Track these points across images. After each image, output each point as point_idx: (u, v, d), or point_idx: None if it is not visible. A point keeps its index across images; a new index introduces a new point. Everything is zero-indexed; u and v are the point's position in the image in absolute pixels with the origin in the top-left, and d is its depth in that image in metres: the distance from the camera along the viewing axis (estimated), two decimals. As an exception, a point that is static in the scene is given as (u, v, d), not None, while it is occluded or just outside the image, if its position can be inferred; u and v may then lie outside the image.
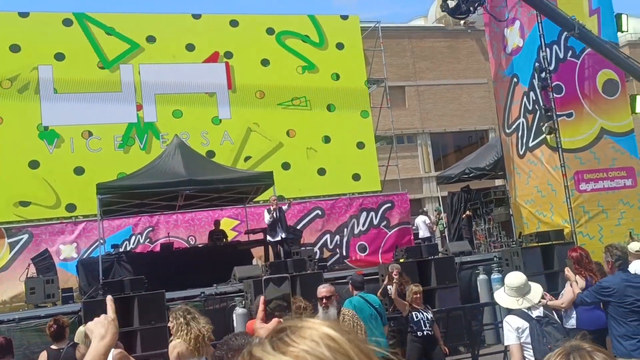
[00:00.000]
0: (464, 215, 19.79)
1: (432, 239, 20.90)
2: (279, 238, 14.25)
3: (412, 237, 19.24)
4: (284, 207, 15.30)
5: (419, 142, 35.21)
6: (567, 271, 7.31)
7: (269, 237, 14.37)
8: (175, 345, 5.47)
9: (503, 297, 5.52)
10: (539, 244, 13.66)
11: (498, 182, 22.83)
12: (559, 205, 14.83)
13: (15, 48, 17.65)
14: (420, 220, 21.39)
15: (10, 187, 16.78)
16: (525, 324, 5.29)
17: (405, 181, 29.33)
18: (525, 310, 5.38)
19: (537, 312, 5.42)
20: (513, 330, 5.30)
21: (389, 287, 11.15)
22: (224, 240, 16.04)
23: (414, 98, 35.07)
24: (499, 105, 17.05)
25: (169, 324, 5.83)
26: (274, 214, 14.03)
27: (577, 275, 7.31)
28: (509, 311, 5.54)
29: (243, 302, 11.91)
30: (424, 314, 8.99)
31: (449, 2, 11.76)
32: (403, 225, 18.95)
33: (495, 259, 14.59)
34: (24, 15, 18.06)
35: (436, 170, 32.38)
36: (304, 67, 20.17)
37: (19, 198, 16.87)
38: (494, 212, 18.55)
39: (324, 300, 6.36)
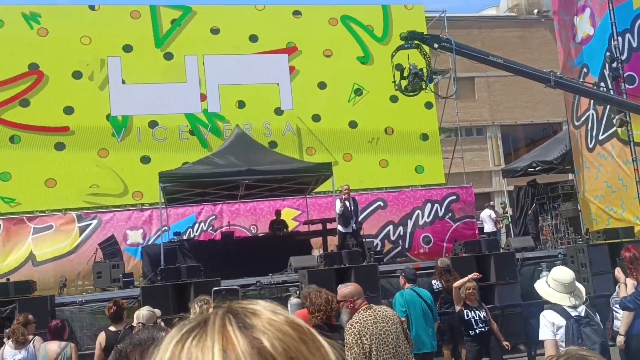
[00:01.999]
0: (530, 210, 19.22)
1: (497, 233, 20.43)
2: (350, 230, 14.20)
3: (476, 231, 18.86)
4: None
5: (489, 135, 34.42)
6: (618, 272, 6.92)
7: (339, 227, 14.31)
8: None
9: (550, 292, 5.28)
10: (607, 241, 13.09)
11: (566, 176, 22.05)
12: (630, 202, 14.20)
13: (85, 40, 18.27)
14: (485, 215, 20.94)
15: (81, 175, 17.43)
16: (562, 322, 5.08)
17: (474, 174, 28.80)
18: (565, 308, 5.15)
19: (577, 312, 5.20)
20: (549, 325, 5.12)
21: (433, 281, 10.97)
22: (285, 230, 16.15)
23: (484, 89, 34.27)
24: (567, 96, 16.46)
25: (190, 315, 5.89)
26: (347, 204, 13.94)
27: (628, 277, 6.93)
28: (538, 306, 5.34)
29: (297, 292, 11.97)
30: (477, 312, 8.75)
31: (401, 82, 11.42)
32: (468, 219, 18.61)
33: (559, 255, 14.10)
34: (93, 7, 18.67)
35: (507, 163, 31.58)
36: (359, 57, 19.99)
37: (89, 185, 17.49)
38: (562, 207, 17.93)
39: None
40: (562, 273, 5.35)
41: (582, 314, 5.14)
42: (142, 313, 6.85)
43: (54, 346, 7.70)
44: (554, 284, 5.27)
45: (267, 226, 16.53)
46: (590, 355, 1.74)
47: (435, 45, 11.50)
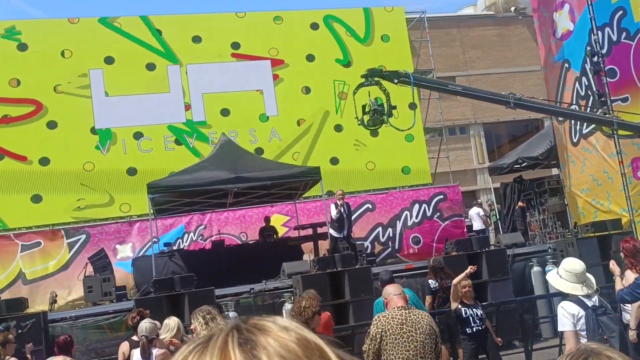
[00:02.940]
0: (518, 206, 19.35)
1: (486, 231, 20.53)
2: (342, 235, 14.18)
3: (465, 230, 18.96)
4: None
5: (472, 133, 34.63)
6: (612, 264, 6.86)
7: (332, 231, 14.30)
8: None
9: (563, 283, 5.32)
10: (596, 234, 13.23)
11: (551, 171, 22.24)
12: (616, 194, 14.34)
13: (66, 53, 18.15)
14: (474, 212, 21.03)
15: (67, 189, 17.29)
16: (581, 312, 5.13)
17: (459, 173, 28.95)
18: (581, 298, 5.20)
19: (592, 302, 5.26)
20: (569, 316, 5.14)
21: (430, 281, 11.02)
22: (275, 236, 16.13)
23: (465, 88, 34.50)
24: (550, 92, 16.59)
25: (191, 326, 5.87)
26: (342, 209, 13.95)
27: (630, 269, 6.92)
28: (563, 297, 5.37)
29: (292, 297, 11.96)
30: (474, 310, 8.78)
31: (363, 117, 11.82)
32: (456, 217, 18.71)
33: (549, 250, 14.23)
34: (73, 21, 18.57)
35: (490, 161, 31.78)
36: (337, 59, 20.05)
37: (75, 199, 17.35)
38: (549, 202, 18.07)
39: None
40: (573, 263, 5.40)
41: (597, 304, 5.20)
42: (145, 326, 6.82)
43: None
44: (566, 274, 5.32)
45: (257, 233, 16.49)
46: (604, 349, 1.74)
47: (395, 81, 11.90)
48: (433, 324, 5.38)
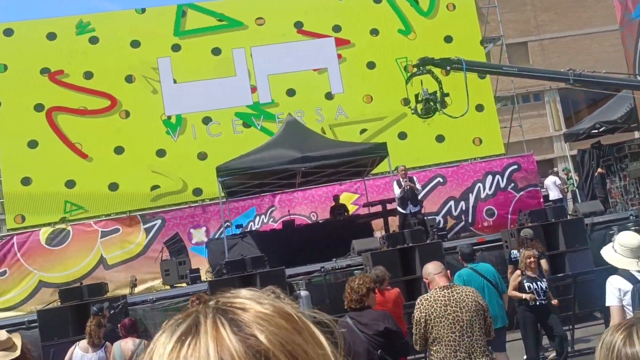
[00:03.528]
0: (597, 173, 18.56)
1: (563, 200, 19.84)
2: (408, 211, 14.07)
3: (541, 200, 18.38)
4: (418, 187, 14.89)
5: (547, 100, 33.44)
6: None
7: (399, 208, 14.22)
8: None
9: (617, 257, 5.08)
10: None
11: (632, 134, 21.20)
12: None
13: (135, 44, 18.60)
14: (550, 182, 20.34)
15: (142, 176, 17.78)
16: (628, 286, 4.89)
17: (534, 141, 28.08)
18: (633, 273, 4.94)
19: None
20: (614, 291, 4.93)
21: (512, 251, 10.82)
22: (346, 214, 16.11)
23: (538, 54, 33.27)
24: (628, 51, 15.78)
25: None
26: (404, 185, 13.87)
27: None
28: (613, 271, 5.13)
29: (367, 271, 11.92)
30: (538, 283, 8.51)
31: (417, 106, 11.35)
32: (531, 188, 18.16)
33: (631, 217, 13.60)
34: (140, 11, 18.98)
35: (568, 127, 30.64)
36: (400, 30, 19.63)
37: (149, 186, 17.84)
38: (630, 167, 17.22)
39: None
40: (629, 237, 5.13)
41: None
42: None
43: (129, 344, 7.84)
44: (621, 249, 5.06)
45: (327, 212, 16.51)
46: None
47: (448, 68, 11.65)
48: (479, 299, 5.23)
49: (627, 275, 4.99)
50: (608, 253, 5.20)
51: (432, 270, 5.37)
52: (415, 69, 11.92)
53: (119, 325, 8.97)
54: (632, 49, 15.38)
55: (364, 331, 5.24)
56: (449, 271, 5.54)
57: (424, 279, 5.49)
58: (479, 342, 5.07)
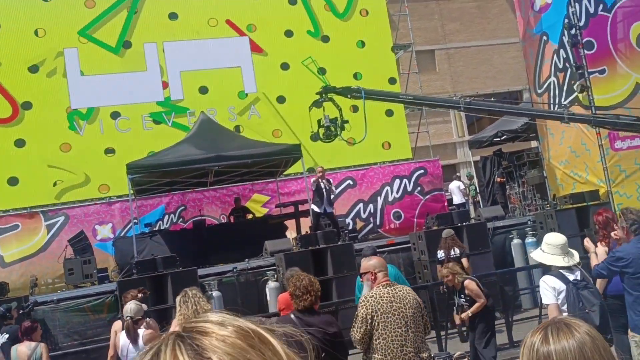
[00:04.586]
0: (498, 180, 19.48)
1: (466, 204, 20.67)
2: (322, 210, 14.23)
3: (445, 204, 19.07)
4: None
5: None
6: (587, 242, 6.86)
7: (315, 207, 14.35)
8: (174, 324, 5.78)
9: (545, 256, 5.40)
10: (574, 205, 13.39)
11: (530, 144, 22.39)
12: (594, 165, 14.49)
13: (39, 32, 17.78)
14: (454, 186, 21.15)
15: (45, 171, 17.04)
16: (562, 286, 5.23)
17: (439, 147, 29.00)
18: (563, 273, 5.28)
19: (574, 276, 5.33)
20: (550, 289, 5.24)
21: (438, 252, 11.36)
22: (251, 216, 16.07)
23: (445, 61, 34.46)
24: (529, 65, 16.65)
25: (178, 310, 6.03)
26: (322, 185, 14.07)
27: (600, 242, 6.99)
28: (544, 272, 5.47)
29: (275, 275, 11.98)
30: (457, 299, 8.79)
31: (319, 130, 12.43)
32: (436, 192, 18.80)
33: (529, 222, 14.38)
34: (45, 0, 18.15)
35: (470, 134, 31.90)
36: (308, 31, 19.80)
37: (53, 181, 17.12)
38: (528, 174, 18.21)
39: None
40: (555, 237, 5.50)
41: (579, 278, 5.27)
42: (130, 307, 6.87)
43: (23, 347, 7.67)
44: (548, 247, 5.41)
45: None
46: (573, 322, 1.81)
47: (349, 96, 12.58)
48: (417, 297, 5.40)
49: (558, 274, 5.31)
50: (537, 254, 5.53)
51: (377, 266, 5.43)
52: (318, 97, 12.68)
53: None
54: (533, 63, 16.24)
55: (311, 332, 5.18)
56: None
57: (366, 272, 5.46)
58: (421, 338, 5.25)
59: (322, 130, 12.50)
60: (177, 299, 5.99)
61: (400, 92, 15.72)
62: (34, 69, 17.53)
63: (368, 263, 5.55)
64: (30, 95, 17.39)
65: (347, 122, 12.51)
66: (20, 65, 17.45)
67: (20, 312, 9.78)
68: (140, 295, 8.15)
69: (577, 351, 1.72)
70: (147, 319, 7.12)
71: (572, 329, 1.77)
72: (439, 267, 10.92)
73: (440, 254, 11.22)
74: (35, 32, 17.71)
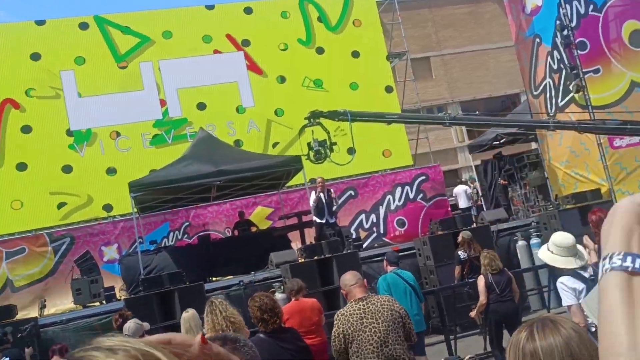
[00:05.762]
0: (501, 182, 19.53)
1: (472, 208, 20.69)
2: (324, 221, 14.31)
3: (449, 209, 19.10)
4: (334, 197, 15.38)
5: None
6: (586, 239, 6.84)
7: (316, 219, 14.43)
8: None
9: (555, 258, 5.30)
10: (576, 205, 13.43)
11: (530, 145, 22.47)
12: (594, 164, 14.55)
13: (35, 56, 17.91)
14: (460, 190, 21.11)
15: (47, 194, 17.13)
16: (581, 285, 5.11)
17: (439, 153, 29.10)
18: (579, 272, 5.20)
19: (588, 273, 5.23)
20: (570, 290, 5.13)
21: (459, 252, 11.52)
22: (255, 229, 16.12)
23: (440, 68, 34.64)
24: (523, 67, 16.75)
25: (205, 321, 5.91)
26: (321, 196, 14.20)
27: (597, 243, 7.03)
28: (550, 272, 5.40)
29: (282, 287, 12.01)
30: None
31: (309, 152, 12.95)
32: (439, 197, 18.84)
33: (533, 223, 14.41)
34: (40, 23, 18.31)
35: (470, 138, 32.01)
36: (299, 39, 19.91)
37: (56, 203, 17.20)
38: (529, 176, 18.25)
39: None
40: (563, 237, 5.35)
41: (593, 274, 5.19)
42: (129, 326, 6.84)
43: None
44: (557, 249, 5.29)
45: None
46: (559, 318, 1.85)
47: (336, 119, 13.14)
48: (395, 306, 5.27)
49: (574, 274, 5.21)
50: (545, 254, 5.41)
51: (348, 281, 5.37)
52: (306, 121, 13.22)
53: (25, 349, 8.71)
54: (527, 65, 16.35)
55: (284, 347, 5.12)
56: (365, 280, 5.60)
57: (341, 290, 5.50)
58: (399, 350, 5.14)
59: (312, 153, 13.06)
60: (205, 311, 5.73)
61: (386, 112, 16.10)
62: (30, 92, 17.65)
63: (341, 279, 5.52)
64: (29, 119, 17.50)
65: (335, 144, 13.11)
66: (19, 89, 17.57)
67: (19, 335, 9.82)
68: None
69: (563, 347, 1.75)
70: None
71: (557, 325, 1.80)
72: (457, 268, 11.33)
73: (462, 253, 11.35)
74: (31, 56, 17.85)
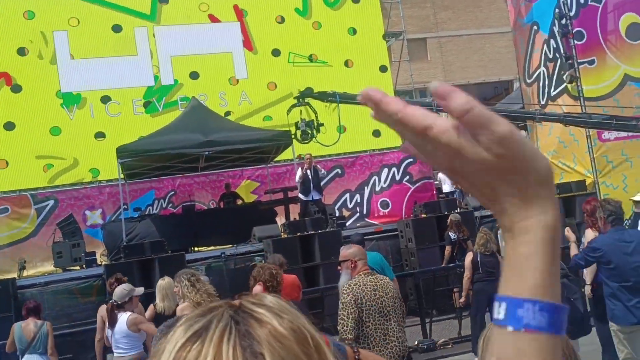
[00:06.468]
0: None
1: (455, 193, 20.76)
2: (310, 198, 14.29)
3: (434, 192, 19.14)
4: (322, 171, 15.41)
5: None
6: (568, 232, 6.92)
7: (301, 195, 14.42)
8: (183, 308, 5.50)
9: None
10: (561, 195, 13.48)
11: (521, 133, 22.49)
12: (582, 156, 14.61)
13: (29, 15, 17.65)
14: (444, 175, 21.19)
15: (34, 155, 16.99)
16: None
17: (429, 135, 29.07)
18: None
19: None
20: None
21: (450, 233, 11.82)
22: (239, 202, 16.12)
23: (436, 50, 34.49)
24: (519, 54, 16.72)
25: (174, 289, 5.92)
26: (308, 172, 14.16)
27: (590, 228, 7.11)
28: None
29: (263, 261, 12.05)
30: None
31: (297, 132, 13.29)
32: (425, 180, 18.87)
33: (516, 211, 14.47)
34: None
35: (460, 123, 31.96)
36: (296, 9, 19.71)
37: (42, 165, 17.07)
38: (517, 164, 18.32)
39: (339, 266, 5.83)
40: None
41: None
42: (116, 291, 6.91)
43: (30, 325, 7.83)
44: None
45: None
46: None
47: (325, 100, 13.56)
48: (396, 290, 5.40)
49: None
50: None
51: (359, 254, 5.42)
52: (295, 101, 13.36)
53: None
54: (523, 52, 16.31)
55: None
56: None
57: (345, 260, 5.43)
58: (401, 327, 5.24)
59: (299, 132, 13.23)
60: (184, 279, 5.64)
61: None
62: (22, 51, 17.42)
63: (348, 251, 5.51)
64: (19, 79, 17.29)
65: (322, 125, 13.21)
66: (10, 48, 17.34)
67: None
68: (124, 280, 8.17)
69: None
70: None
71: None
72: (448, 248, 11.77)
73: (452, 235, 11.64)
74: (24, 14, 17.59)
